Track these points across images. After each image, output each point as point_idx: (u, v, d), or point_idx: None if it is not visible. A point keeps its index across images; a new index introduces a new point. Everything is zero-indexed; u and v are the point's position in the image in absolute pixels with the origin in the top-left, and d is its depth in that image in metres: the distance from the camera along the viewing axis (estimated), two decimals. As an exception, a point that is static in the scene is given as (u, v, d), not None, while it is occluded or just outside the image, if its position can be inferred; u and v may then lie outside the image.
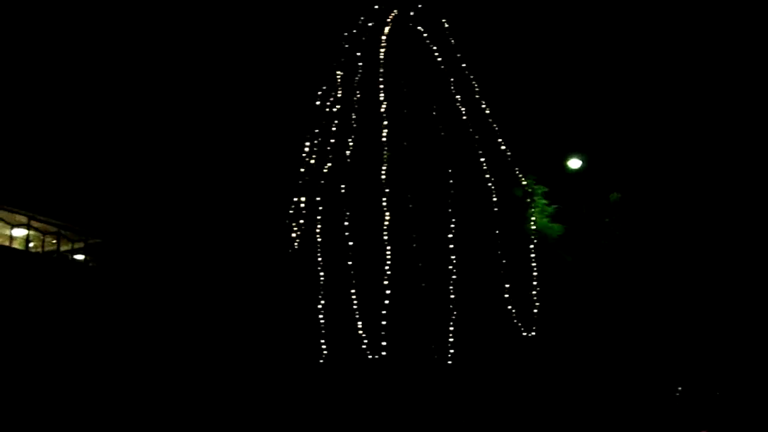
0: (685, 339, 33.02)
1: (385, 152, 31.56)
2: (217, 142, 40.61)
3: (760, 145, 34.58)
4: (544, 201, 32.29)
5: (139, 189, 42.67)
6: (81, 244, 42.87)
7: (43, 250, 41.58)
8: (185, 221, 41.68)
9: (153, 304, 41.26)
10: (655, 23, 37.04)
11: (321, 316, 31.27)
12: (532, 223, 31.47)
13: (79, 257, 43.26)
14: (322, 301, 31.43)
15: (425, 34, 33.55)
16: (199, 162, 41.11)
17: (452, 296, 29.86)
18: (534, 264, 31.16)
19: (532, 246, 31.31)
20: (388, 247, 30.54)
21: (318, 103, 34.01)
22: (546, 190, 32.53)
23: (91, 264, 43.21)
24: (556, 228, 32.30)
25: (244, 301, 36.09)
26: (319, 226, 32.10)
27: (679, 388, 31.21)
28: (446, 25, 34.10)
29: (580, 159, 32.33)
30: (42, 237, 41.41)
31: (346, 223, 31.31)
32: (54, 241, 41.82)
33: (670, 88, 36.04)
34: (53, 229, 41.49)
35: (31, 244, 41.08)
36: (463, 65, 33.25)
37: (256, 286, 35.26)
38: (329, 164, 32.73)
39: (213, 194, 40.24)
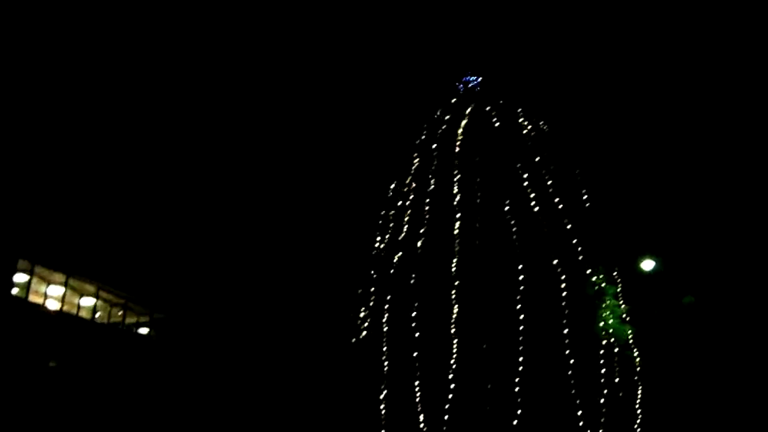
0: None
1: (456, 245, 31.54)
2: (288, 224, 40.99)
3: None
4: (615, 302, 31.71)
5: (208, 266, 43.15)
6: (146, 318, 43.08)
7: (108, 321, 41.83)
8: (251, 303, 41.98)
9: (213, 384, 41.39)
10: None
11: (383, 406, 30.93)
12: (602, 323, 30.88)
13: (143, 331, 43.49)
14: (385, 391, 31.12)
15: (499, 127, 33.83)
16: (270, 244, 41.49)
17: (519, 398, 29.24)
18: (603, 365, 30.46)
19: (602, 347, 30.65)
20: (455, 341, 30.27)
21: (392, 193, 34.38)
22: (617, 290, 32.00)
23: (154, 338, 43.40)
24: (626, 329, 31.64)
25: (310, 386, 36.04)
26: (386, 314, 31.99)
27: None
28: (521, 120, 34.40)
29: (654, 260, 31.77)
30: (109, 308, 41.67)
31: (413, 314, 31.22)
32: (120, 313, 42.05)
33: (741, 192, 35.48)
34: (120, 300, 41.77)
35: (97, 314, 41.35)
36: (538, 160, 33.31)
37: (322, 370, 35.23)
38: (400, 253, 32.80)
39: (280, 277, 40.51)
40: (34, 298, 38.11)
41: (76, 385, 37.64)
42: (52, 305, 39.01)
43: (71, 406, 36.78)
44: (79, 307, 40.51)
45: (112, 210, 40.75)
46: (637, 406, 31.47)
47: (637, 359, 31.82)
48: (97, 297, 41.03)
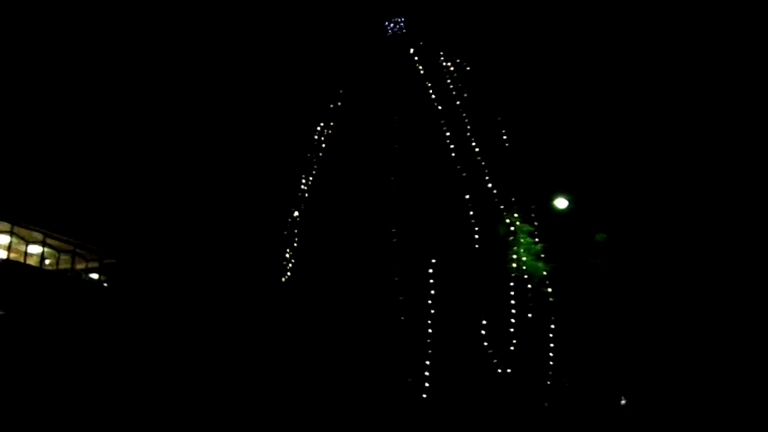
0: (673, 383, 32.67)
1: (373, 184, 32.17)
2: (224, 167, 41.77)
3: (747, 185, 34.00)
4: (530, 239, 32.30)
5: (154, 211, 43.91)
6: (96, 264, 43.92)
7: (57, 268, 42.65)
8: (196, 243, 42.86)
9: (163, 324, 42.34)
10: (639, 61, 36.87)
11: (306, 344, 31.92)
12: (514, 260, 31.54)
13: (94, 276, 44.33)
14: (307, 320, 32.12)
15: (420, 68, 34.23)
16: (210, 187, 42.30)
17: (430, 330, 30.03)
18: (513, 301, 31.19)
19: (512, 283, 31.35)
20: (370, 279, 31.07)
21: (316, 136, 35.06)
22: (531, 229, 32.57)
23: (105, 283, 44.30)
24: (541, 266, 32.28)
25: (245, 318, 37.13)
26: (307, 252, 32.87)
27: None
28: (443, 60, 34.80)
29: (567, 198, 32.30)
30: (57, 255, 42.48)
31: (331, 253, 32.03)
32: (69, 260, 42.86)
33: (653, 130, 35.75)
34: (68, 247, 42.57)
35: (46, 262, 42.20)
36: (457, 101, 33.73)
37: (257, 304, 36.26)
38: (320, 195, 33.52)
39: (222, 217, 41.43)
40: (-21, 249, 38.93)
41: (28, 333, 38.44)
42: (-1, 254, 39.82)
43: (23, 354, 37.59)
44: (26, 254, 41.25)
45: (53, 158, 41.39)
46: (549, 341, 32.22)
47: (551, 295, 32.48)
48: (44, 244, 41.78)
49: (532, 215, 33.22)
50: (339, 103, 35.08)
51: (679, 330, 32.42)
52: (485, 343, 30.21)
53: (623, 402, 32.85)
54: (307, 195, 34.29)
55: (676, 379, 32.29)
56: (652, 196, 34.43)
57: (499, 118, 34.48)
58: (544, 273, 32.52)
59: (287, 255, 34.39)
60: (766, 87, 34.47)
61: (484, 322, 30.42)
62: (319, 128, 35.57)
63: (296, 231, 34.25)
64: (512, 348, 30.72)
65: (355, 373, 30.63)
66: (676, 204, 34.15)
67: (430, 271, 30.68)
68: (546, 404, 31.26)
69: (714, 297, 32.64)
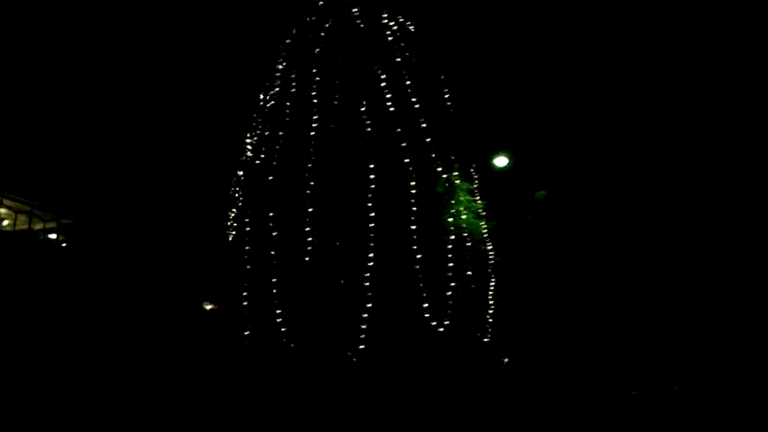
0: (612, 336, 33.06)
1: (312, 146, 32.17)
2: (173, 132, 41.93)
3: (676, 142, 34.13)
4: (469, 197, 32.40)
5: (110, 172, 44.18)
6: (53, 224, 44.34)
7: (14, 229, 43.01)
8: (151, 204, 43.16)
9: (121, 284, 42.70)
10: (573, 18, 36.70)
11: (245, 303, 32.19)
12: (451, 218, 31.65)
13: (52, 236, 44.74)
14: (247, 290, 32.31)
15: (360, 24, 34.06)
16: (161, 148, 42.52)
17: (368, 292, 30.24)
18: (451, 259, 31.38)
19: (449, 242, 31.52)
20: (309, 239, 31.22)
21: (261, 97, 35.01)
22: (471, 187, 32.66)
23: (63, 244, 44.69)
24: (481, 224, 32.44)
25: (189, 286, 37.39)
26: (248, 217, 33.00)
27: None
28: (384, 18, 34.59)
29: (506, 157, 32.42)
30: (14, 215, 42.83)
31: (271, 214, 32.16)
32: (26, 220, 43.24)
33: (592, 86, 35.72)
34: (25, 208, 42.94)
35: (3, 222, 42.57)
36: (397, 59, 33.59)
37: (199, 272, 36.48)
38: (262, 156, 33.53)
39: (173, 178, 41.68)
40: (-67, 209, 39.23)
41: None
42: (-46, 215, 40.13)
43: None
44: (-19, 216, 41.63)
45: (6, 119, 41.54)
46: (489, 297, 32.53)
47: (491, 253, 32.71)
48: (0, 205, 42.13)
49: (472, 172, 33.31)
50: (283, 63, 34.91)
51: (618, 287, 32.77)
52: (424, 304, 30.40)
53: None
54: (251, 155, 34.30)
55: (617, 337, 32.74)
56: (591, 153, 34.56)
57: (442, 77, 34.37)
58: (484, 231, 32.69)
59: (232, 214, 34.54)
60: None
61: (422, 279, 30.59)
62: (263, 89, 35.48)
63: (241, 191, 34.31)
64: (450, 304, 30.96)
65: (291, 332, 30.98)
66: (616, 161, 34.28)
67: (367, 229, 30.77)
68: (505, 362, 31.68)
69: (654, 257, 32.93)
